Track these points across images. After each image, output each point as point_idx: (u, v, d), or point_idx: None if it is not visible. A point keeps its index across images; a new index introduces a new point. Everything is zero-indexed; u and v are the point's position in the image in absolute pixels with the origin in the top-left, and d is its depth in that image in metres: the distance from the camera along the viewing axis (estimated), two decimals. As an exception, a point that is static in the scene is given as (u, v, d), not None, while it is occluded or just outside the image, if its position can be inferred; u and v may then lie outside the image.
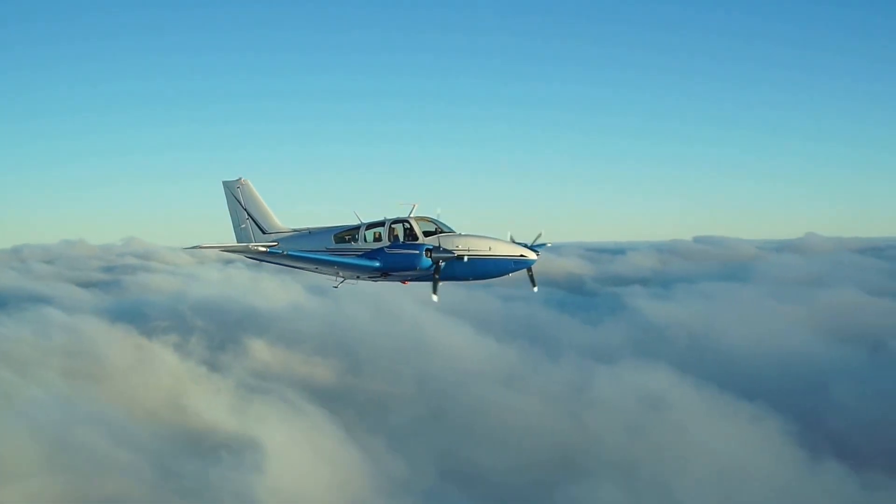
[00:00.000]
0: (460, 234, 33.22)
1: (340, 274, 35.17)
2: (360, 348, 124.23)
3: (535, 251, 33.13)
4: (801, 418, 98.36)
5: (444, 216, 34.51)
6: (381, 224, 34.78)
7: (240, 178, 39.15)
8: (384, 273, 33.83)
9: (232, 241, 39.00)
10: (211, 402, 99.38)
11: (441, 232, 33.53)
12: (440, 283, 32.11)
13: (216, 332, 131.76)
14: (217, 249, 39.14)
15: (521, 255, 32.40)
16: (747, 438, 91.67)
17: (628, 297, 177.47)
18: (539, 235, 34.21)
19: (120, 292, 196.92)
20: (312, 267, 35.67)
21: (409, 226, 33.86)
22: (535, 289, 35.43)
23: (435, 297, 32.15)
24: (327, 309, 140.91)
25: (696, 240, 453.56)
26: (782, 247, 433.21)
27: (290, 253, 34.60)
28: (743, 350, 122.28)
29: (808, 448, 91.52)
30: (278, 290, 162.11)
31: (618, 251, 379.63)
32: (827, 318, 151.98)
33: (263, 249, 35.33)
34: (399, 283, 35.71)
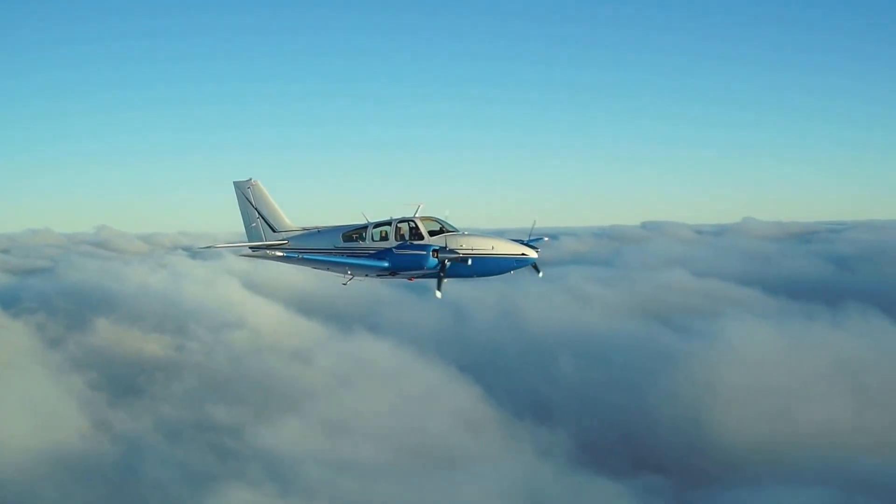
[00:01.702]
0: (464, 234, 34.51)
1: (350, 272, 36.38)
2: (193, 324, 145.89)
3: (534, 248, 34.35)
4: (515, 393, 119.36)
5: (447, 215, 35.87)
6: (388, 223, 36.18)
7: (250, 179, 40.51)
8: (392, 272, 35.21)
9: (243, 239, 40.89)
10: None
11: (446, 231, 34.75)
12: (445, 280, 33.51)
13: (73, 314, 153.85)
14: (230, 249, 42.74)
15: (523, 254, 33.59)
16: (452, 405, 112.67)
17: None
18: (534, 223, 36.70)
19: (42, 278, 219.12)
20: (324, 266, 37.26)
21: (414, 225, 35.21)
22: (541, 274, 35.65)
23: (438, 294, 33.21)
24: (175, 291, 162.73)
25: (644, 225, 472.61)
26: (721, 231, 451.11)
27: (305, 256, 36.70)
28: (491, 331, 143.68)
29: (507, 407, 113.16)
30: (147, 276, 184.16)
31: (552, 236, 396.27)
32: (630, 300, 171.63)
33: (280, 254, 37.15)
34: (388, 279, 37.14)
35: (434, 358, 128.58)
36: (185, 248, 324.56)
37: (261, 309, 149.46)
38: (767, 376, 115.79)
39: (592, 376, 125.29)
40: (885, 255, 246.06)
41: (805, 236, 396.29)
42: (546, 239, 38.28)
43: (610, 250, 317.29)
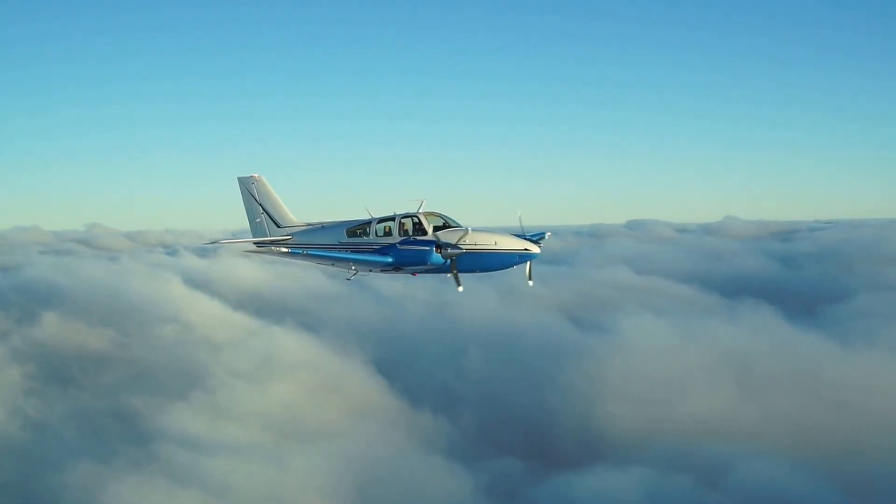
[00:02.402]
0: (468, 229, 34.55)
1: (354, 268, 36.54)
2: (131, 319, 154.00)
3: (536, 243, 34.29)
4: (420, 385, 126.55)
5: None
6: (392, 219, 36.24)
7: (254, 175, 40.61)
8: (396, 267, 35.33)
9: (248, 235, 41.03)
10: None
11: (449, 227, 34.97)
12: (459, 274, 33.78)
13: (25, 308, 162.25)
14: (235, 244, 42.77)
15: (525, 249, 33.73)
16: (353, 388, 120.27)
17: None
18: (520, 217, 36.29)
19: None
20: (328, 262, 37.43)
21: (417, 220, 35.27)
22: (531, 283, 35.41)
23: (460, 288, 33.72)
24: (121, 287, 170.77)
25: (628, 224, 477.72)
26: (703, 229, 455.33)
27: (309, 252, 36.88)
28: (414, 326, 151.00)
29: (408, 398, 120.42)
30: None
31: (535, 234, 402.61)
32: (557, 298, 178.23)
33: (284, 250, 37.64)
34: (392, 274, 37.37)
35: (349, 350, 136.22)
36: (166, 246, 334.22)
37: (197, 305, 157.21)
38: (656, 369, 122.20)
39: (498, 370, 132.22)
40: (839, 254, 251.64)
41: (783, 235, 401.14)
42: (548, 234, 38.37)
43: (583, 249, 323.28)
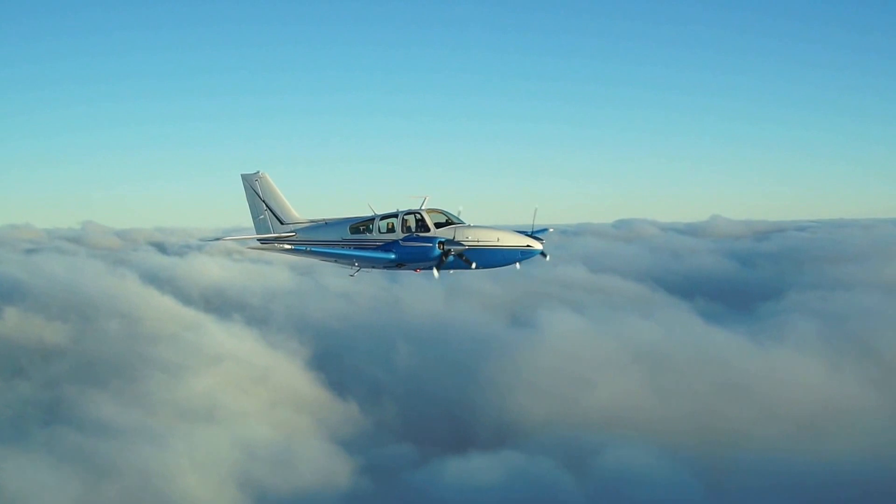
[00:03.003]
0: (470, 226, 34.72)
1: (357, 264, 36.60)
2: (85, 314, 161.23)
3: (539, 239, 34.81)
4: (351, 377, 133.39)
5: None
6: (395, 216, 36.35)
7: (258, 172, 40.57)
8: (399, 264, 35.55)
9: (240, 232, 41.54)
10: None
11: (452, 223, 35.07)
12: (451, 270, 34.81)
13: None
14: (239, 241, 43.20)
15: (528, 246, 34.13)
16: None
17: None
18: (535, 212, 36.60)
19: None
20: (331, 258, 37.54)
21: (420, 217, 35.46)
22: (548, 258, 36.34)
23: (436, 273, 34.50)
24: (80, 283, 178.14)
25: (615, 223, 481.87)
26: (689, 229, 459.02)
27: (312, 249, 37.14)
28: (357, 320, 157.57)
29: (335, 389, 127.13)
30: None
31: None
32: (502, 295, 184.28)
33: (288, 246, 37.49)
34: (394, 271, 37.89)
35: (285, 344, 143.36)
36: (155, 244, 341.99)
37: (149, 300, 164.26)
38: (566, 362, 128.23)
39: (424, 363, 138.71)
40: (800, 253, 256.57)
41: (764, 234, 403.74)
42: (550, 230, 39.15)
43: (548, 248, 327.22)
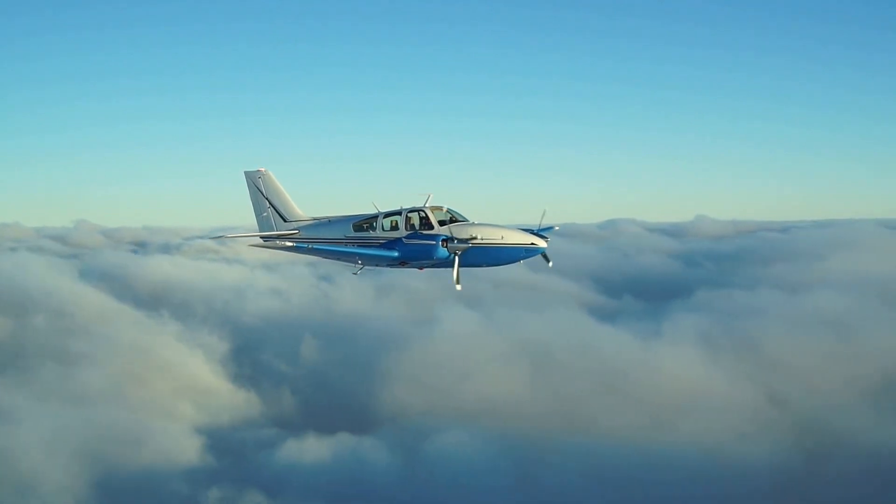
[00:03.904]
0: (474, 224, 34.46)
1: (360, 262, 36.27)
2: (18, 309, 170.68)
3: (543, 237, 34.25)
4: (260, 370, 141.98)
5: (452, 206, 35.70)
6: (398, 213, 36.18)
7: (261, 169, 40.44)
8: (402, 262, 35.34)
9: (254, 229, 40.99)
10: None
11: (455, 221, 34.82)
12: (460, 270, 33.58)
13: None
14: (242, 239, 42.93)
15: (532, 244, 33.65)
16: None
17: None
18: (544, 213, 36.38)
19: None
20: (334, 256, 37.39)
21: (424, 214, 35.19)
22: (550, 264, 36.24)
23: (458, 287, 33.34)
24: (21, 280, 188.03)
25: (600, 224, 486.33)
26: (674, 229, 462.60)
27: (315, 247, 37.07)
28: (280, 316, 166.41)
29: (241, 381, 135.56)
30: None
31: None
32: (422, 294, 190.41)
33: (290, 244, 37.06)
34: (397, 268, 36.93)
35: (199, 338, 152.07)
36: (138, 244, 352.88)
37: (82, 297, 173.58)
38: (453, 358, 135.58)
39: (330, 358, 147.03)
40: (748, 254, 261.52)
41: (741, 235, 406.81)
42: (556, 227, 38.85)
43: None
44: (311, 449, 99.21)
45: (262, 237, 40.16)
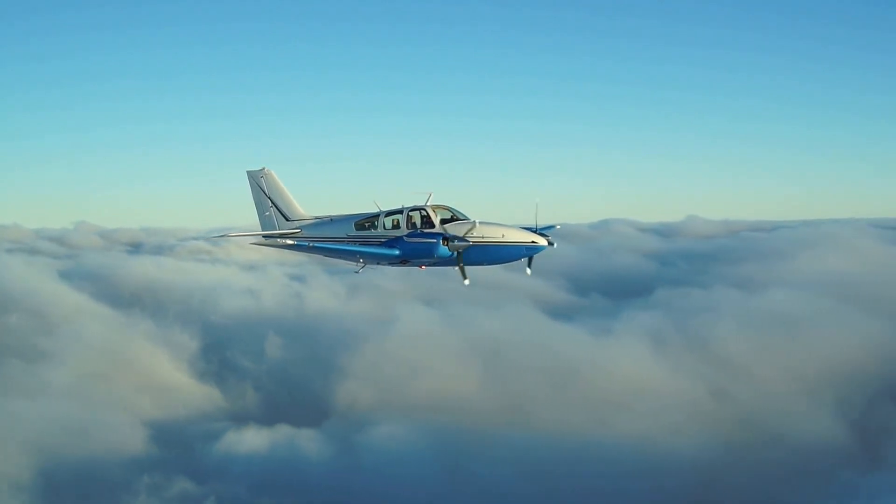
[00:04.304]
0: (475, 222, 34.72)
1: (361, 260, 36.60)
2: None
3: (545, 236, 34.61)
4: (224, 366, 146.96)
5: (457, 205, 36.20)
6: (400, 212, 36.47)
7: (263, 168, 40.67)
8: (403, 260, 35.58)
9: (257, 228, 41.44)
10: None
11: (457, 219, 35.23)
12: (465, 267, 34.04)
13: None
14: (244, 237, 43.51)
15: (533, 242, 34.04)
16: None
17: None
18: (536, 207, 36.48)
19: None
20: (336, 254, 37.95)
21: (425, 213, 35.48)
22: (529, 272, 36.47)
23: (466, 281, 34.11)
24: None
25: (592, 224, 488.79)
26: (665, 228, 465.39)
27: (315, 245, 37.29)
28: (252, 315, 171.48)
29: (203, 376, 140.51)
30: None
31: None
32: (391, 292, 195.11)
33: (291, 242, 37.55)
34: (399, 267, 37.67)
35: (168, 336, 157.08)
36: (134, 245, 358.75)
37: (59, 296, 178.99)
38: (406, 354, 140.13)
39: (293, 356, 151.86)
40: (722, 253, 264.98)
41: (729, 235, 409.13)
42: (557, 226, 39.23)
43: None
44: (248, 440, 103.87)
45: (264, 236, 40.98)
